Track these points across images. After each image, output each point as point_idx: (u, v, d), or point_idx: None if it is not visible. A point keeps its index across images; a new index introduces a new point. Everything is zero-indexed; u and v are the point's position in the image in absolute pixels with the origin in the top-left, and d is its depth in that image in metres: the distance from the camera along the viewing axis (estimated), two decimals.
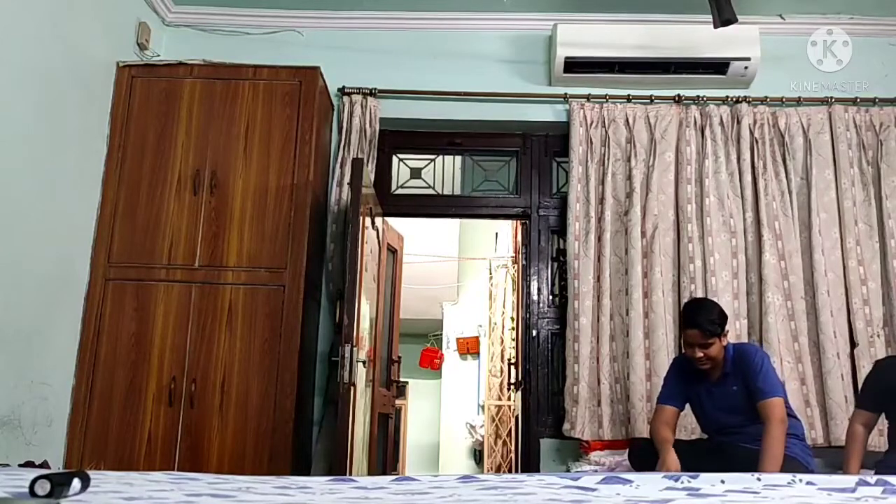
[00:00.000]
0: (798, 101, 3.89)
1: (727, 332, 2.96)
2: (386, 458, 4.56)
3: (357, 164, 3.39)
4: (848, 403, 3.41)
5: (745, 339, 3.58)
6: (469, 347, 8.22)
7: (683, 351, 3.06)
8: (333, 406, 3.33)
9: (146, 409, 3.23)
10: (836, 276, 3.63)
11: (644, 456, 3.01)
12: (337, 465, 3.06)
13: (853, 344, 3.56)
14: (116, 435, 3.21)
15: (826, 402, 3.46)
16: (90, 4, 3.32)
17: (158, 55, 3.87)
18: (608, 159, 3.83)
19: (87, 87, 3.33)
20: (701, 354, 2.90)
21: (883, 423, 3.04)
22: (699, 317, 2.90)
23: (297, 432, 3.31)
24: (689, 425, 3.39)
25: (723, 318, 2.94)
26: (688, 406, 3.13)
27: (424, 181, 4.22)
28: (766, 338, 3.51)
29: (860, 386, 3.23)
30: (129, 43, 3.69)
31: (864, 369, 3.38)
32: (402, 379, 6.42)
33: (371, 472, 3.70)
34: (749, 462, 2.58)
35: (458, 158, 4.37)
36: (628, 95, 3.91)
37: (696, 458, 2.81)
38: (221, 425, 3.22)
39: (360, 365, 3.34)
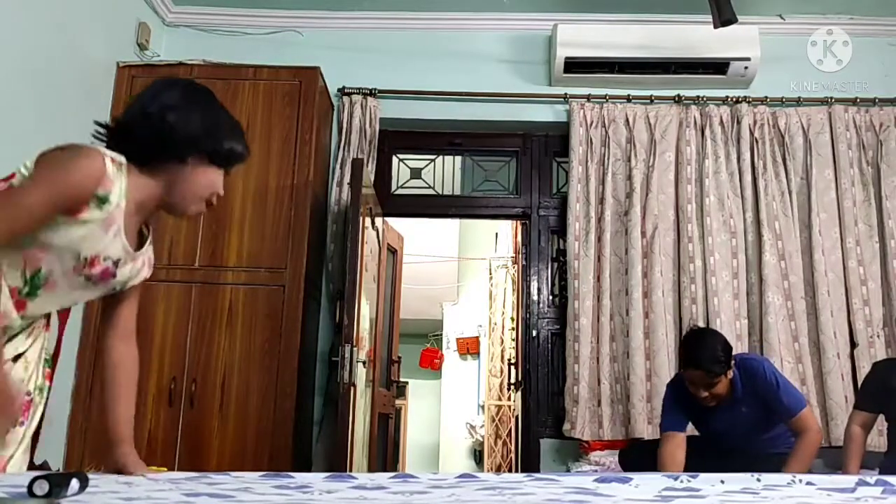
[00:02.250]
0: (798, 101, 3.89)
1: (734, 362, 2.74)
2: (386, 458, 4.56)
3: (357, 164, 3.39)
4: (848, 403, 3.41)
5: (745, 339, 3.57)
6: (469, 347, 8.22)
7: (683, 375, 2.79)
8: (333, 406, 3.33)
9: (146, 409, 3.22)
10: (836, 277, 3.63)
11: (637, 459, 2.98)
12: (337, 466, 3.06)
13: (853, 344, 3.56)
14: None
15: (826, 402, 3.47)
16: (90, 5, 3.32)
17: (158, 55, 3.87)
18: (608, 159, 3.83)
19: (87, 87, 3.34)
20: (706, 394, 2.70)
21: (883, 423, 3.04)
22: (702, 357, 2.64)
23: (297, 432, 3.31)
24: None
25: (727, 351, 2.69)
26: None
27: (424, 181, 4.22)
28: (766, 338, 3.51)
29: (859, 387, 3.22)
30: (129, 43, 3.69)
31: (864, 369, 3.38)
32: (402, 379, 6.42)
33: (371, 472, 3.69)
34: (754, 463, 2.54)
35: (458, 158, 4.38)
36: (628, 95, 3.91)
37: (698, 458, 2.77)
38: (221, 425, 3.22)
39: (360, 365, 3.34)
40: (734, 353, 2.81)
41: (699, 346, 2.69)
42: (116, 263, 1.49)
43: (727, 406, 2.77)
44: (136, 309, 1.68)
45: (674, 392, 2.90)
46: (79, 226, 1.38)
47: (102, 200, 1.39)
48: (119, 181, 1.42)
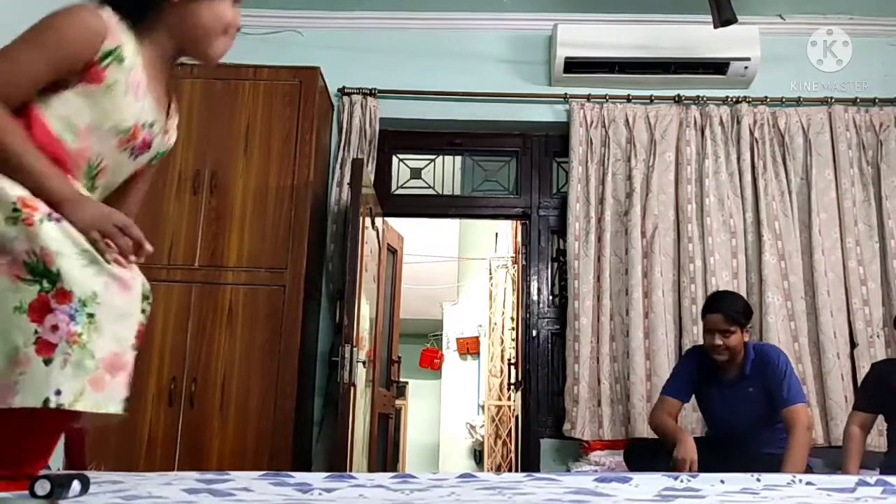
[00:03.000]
0: (798, 101, 3.89)
1: (750, 328, 2.90)
2: (386, 458, 4.56)
3: (357, 164, 3.40)
4: (848, 403, 3.40)
5: None
6: (469, 347, 8.22)
7: (703, 340, 2.95)
8: (333, 406, 3.33)
9: (146, 409, 3.22)
10: (836, 277, 3.63)
11: (641, 457, 2.98)
12: (337, 466, 3.06)
13: (853, 344, 3.56)
14: (116, 435, 3.21)
15: (826, 402, 3.47)
16: None
17: None
18: (608, 159, 3.83)
19: None
20: (720, 342, 2.79)
21: (883, 423, 3.04)
22: (723, 303, 2.84)
23: (297, 432, 3.31)
24: (689, 424, 3.39)
25: (748, 310, 2.89)
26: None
27: (424, 181, 4.22)
28: (766, 338, 3.51)
29: (858, 387, 3.22)
30: None
31: (864, 369, 3.38)
32: (402, 379, 6.42)
33: (371, 472, 3.69)
34: (753, 464, 2.55)
35: (458, 158, 4.38)
36: (628, 95, 3.91)
37: (699, 458, 2.77)
38: (221, 425, 3.22)
39: (360, 365, 3.34)
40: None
41: (722, 295, 2.96)
42: (152, 130, 1.43)
43: (735, 383, 2.87)
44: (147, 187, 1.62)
45: (689, 361, 3.04)
46: (107, 94, 1.30)
47: (119, 58, 1.31)
48: (127, 37, 1.33)
